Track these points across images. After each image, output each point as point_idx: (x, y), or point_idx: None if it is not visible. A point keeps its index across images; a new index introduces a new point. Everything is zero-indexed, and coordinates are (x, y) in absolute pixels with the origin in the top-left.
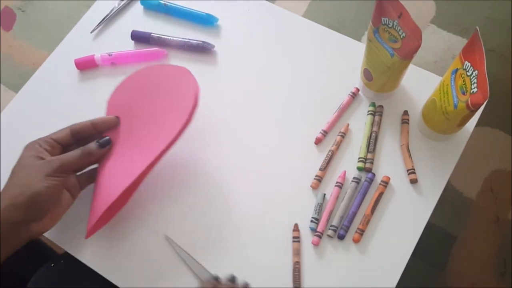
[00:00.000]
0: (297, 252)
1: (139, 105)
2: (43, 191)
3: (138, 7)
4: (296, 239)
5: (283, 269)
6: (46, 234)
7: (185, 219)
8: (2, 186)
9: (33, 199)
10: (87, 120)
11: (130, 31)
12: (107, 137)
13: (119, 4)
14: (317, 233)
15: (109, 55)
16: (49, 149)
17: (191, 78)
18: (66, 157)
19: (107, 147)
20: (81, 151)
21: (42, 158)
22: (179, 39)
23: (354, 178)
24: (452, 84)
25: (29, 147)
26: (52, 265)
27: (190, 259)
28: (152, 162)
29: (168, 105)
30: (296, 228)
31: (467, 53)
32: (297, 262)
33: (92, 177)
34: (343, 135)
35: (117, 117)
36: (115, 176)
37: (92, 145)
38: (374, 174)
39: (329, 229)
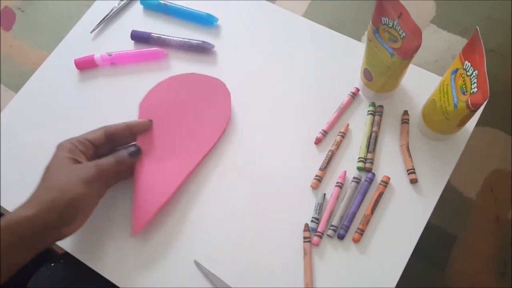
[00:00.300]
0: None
1: (173, 111)
2: (81, 198)
3: (138, 7)
4: (307, 239)
5: (283, 269)
6: None
7: (186, 219)
8: (2, 186)
9: (70, 204)
10: (122, 122)
11: (130, 31)
12: (137, 147)
13: (119, 4)
14: (317, 233)
15: (109, 55)
16: (83, 150)
17: (225, 90)
18: (103, 164)
19: (137, 156)
20: (115, 159)
21: (78, 161)
22: (179, 39)
23: (354, 178)
24: (452, 84)
25: (63, 147)
26: (52, 264)
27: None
28: (189, 172)
29: (203, 116)
30: (306, 228)
31: (467, 53)
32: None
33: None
34: (343, 135)
35: (151, 121)
36: (155, 184)
37: (124, 154)
38: (374, 174)
39: (329, 229)
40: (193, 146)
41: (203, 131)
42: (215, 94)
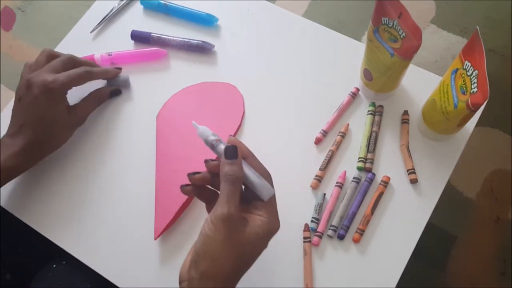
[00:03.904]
0: (308, 253)
1: (189, 120)
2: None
3: (138, 7)
4: (307, 239)
5: (283, 269)
6: (47, 235)
7: (188, 221)
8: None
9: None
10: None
11: (130, 31)
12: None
13: (119, 4)
14: (317, 233)
15: (109, 55)
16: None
17: (238, 95)
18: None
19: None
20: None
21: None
22: (179, 39)
23: (354, 178)
24: (452, 84)
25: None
26: (54, 266)
27: None
28: None
29: (218, 122)
30: (306, 228)
31: (467, 53)
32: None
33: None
34: (343, 135)
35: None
36: (174, 190)
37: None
38: (374, 174)
39: (329, 229)
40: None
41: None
42: (228, 99)
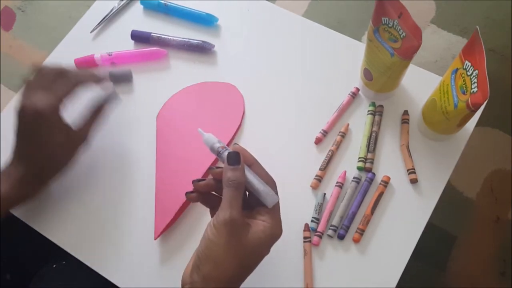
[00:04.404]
0: (308, 253)
1: (189, 120)
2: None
3: (138, 7)
4: (307, 239)
5: (283, 269)
6: (47, 235)
7: (188, 221)
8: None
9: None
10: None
11: (130, 31)
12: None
13: (119, 4)
14: (317, 233)
15: (109, 55)
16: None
17: (238, 95)
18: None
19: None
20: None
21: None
22: (179, 39)
23: (354, 178)
24: (452, 83)
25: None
26: (54, 266)
27: None
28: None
29: (218, 121)
30: (306, 228)
31: (467, 52)
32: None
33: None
34: (343, 135)
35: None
36: (173, 190)
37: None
38: (374, 174)
39: (329, 229)
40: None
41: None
42: (228, 98)
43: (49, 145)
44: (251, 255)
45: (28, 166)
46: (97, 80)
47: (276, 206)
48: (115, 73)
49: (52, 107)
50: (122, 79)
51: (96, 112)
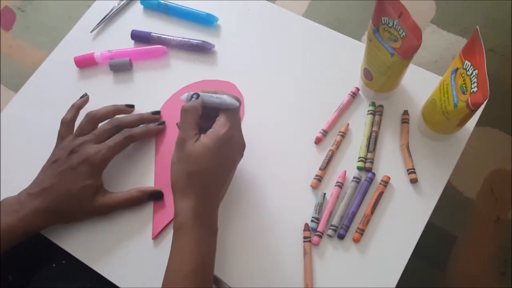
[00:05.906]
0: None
1: None
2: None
3: (138, 7)
4: (307, 239)
5: (283, 269)
6: (47, 235)
7: None
8: (2, 186)
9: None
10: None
11: (130, 30)
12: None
13: (119, 4)
14: (317, 233)
15: (109, 52)
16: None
17: (238, 94)
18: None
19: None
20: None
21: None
22: (179, 39)
23: (354, 177)
24: (452, 83)
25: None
26: (54, 265)
27: None
28: None
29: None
30: (306, 228)
31: (467, 52)
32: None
33: None
34: (343, 135)
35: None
36: (170, 191)
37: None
38: (374, 174)
39: (329, 228)
40: None
41: None
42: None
43: (78, 196)
44: (196, 161)
45: (48, 204)
46: (149, 132)
47: (229, 113)
48: (115, 63)
49: (102, 160)
50: (122, 67)
51: (133, 196)
